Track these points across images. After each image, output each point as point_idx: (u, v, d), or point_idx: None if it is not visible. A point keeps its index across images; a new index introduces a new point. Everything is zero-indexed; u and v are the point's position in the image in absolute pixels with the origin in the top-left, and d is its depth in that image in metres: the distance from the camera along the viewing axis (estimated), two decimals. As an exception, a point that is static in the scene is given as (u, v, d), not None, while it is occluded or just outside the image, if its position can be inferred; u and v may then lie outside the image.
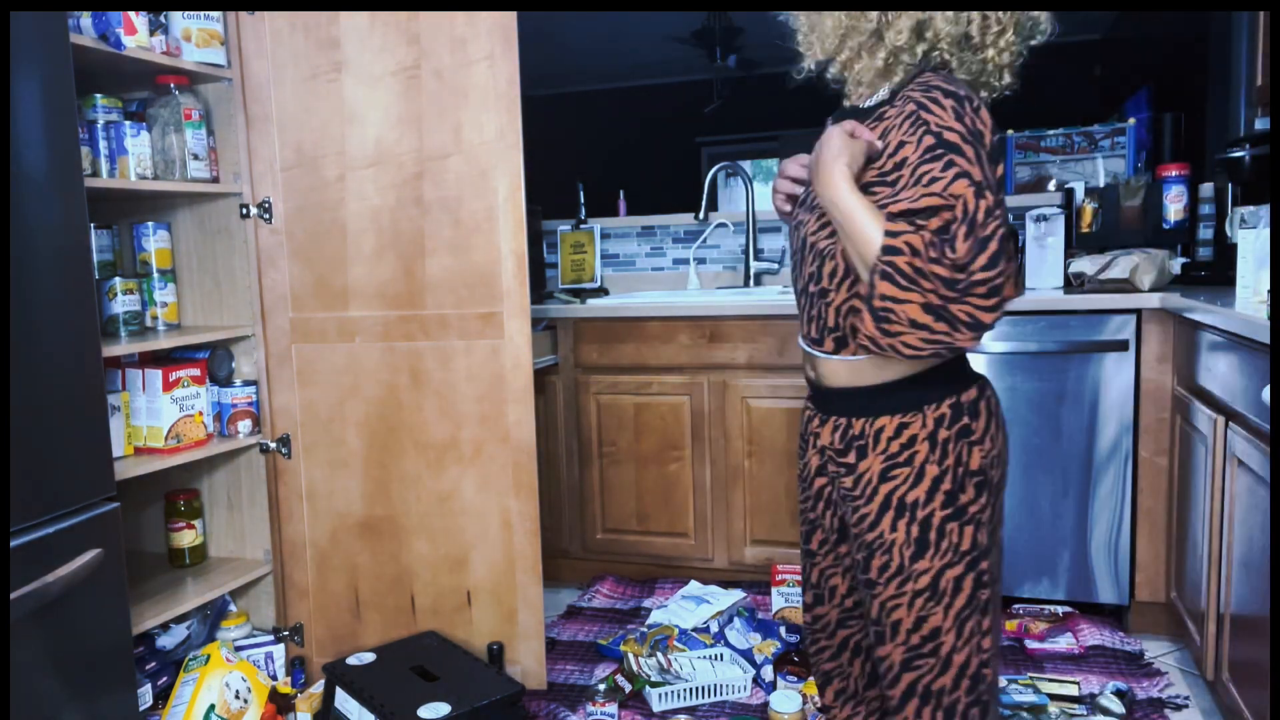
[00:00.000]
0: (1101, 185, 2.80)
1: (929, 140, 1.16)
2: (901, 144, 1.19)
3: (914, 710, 1.29)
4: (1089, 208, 2.76)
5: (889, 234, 1.14)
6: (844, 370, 1.29)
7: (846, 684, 1.48)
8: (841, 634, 1.45)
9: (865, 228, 1.16)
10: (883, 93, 1.28)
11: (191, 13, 2.09)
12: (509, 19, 2.08)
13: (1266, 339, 1.53)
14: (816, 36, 1.32)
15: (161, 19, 2.04)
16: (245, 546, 2.35)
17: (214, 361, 2.27)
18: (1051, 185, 3.20)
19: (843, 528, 1.37)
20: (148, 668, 2.07)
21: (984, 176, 1.15)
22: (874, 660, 1.35)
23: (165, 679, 2.09)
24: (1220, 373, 1.91)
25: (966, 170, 1.14)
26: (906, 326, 1.14)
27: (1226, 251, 2.53)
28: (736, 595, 2.66)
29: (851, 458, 1.29)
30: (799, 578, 1.51)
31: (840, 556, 1.40)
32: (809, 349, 1.34)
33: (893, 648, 1.28)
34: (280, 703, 2.12)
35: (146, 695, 2.01)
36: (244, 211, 2.23)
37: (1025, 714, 2.03)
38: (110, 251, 2.24)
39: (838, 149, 1.21)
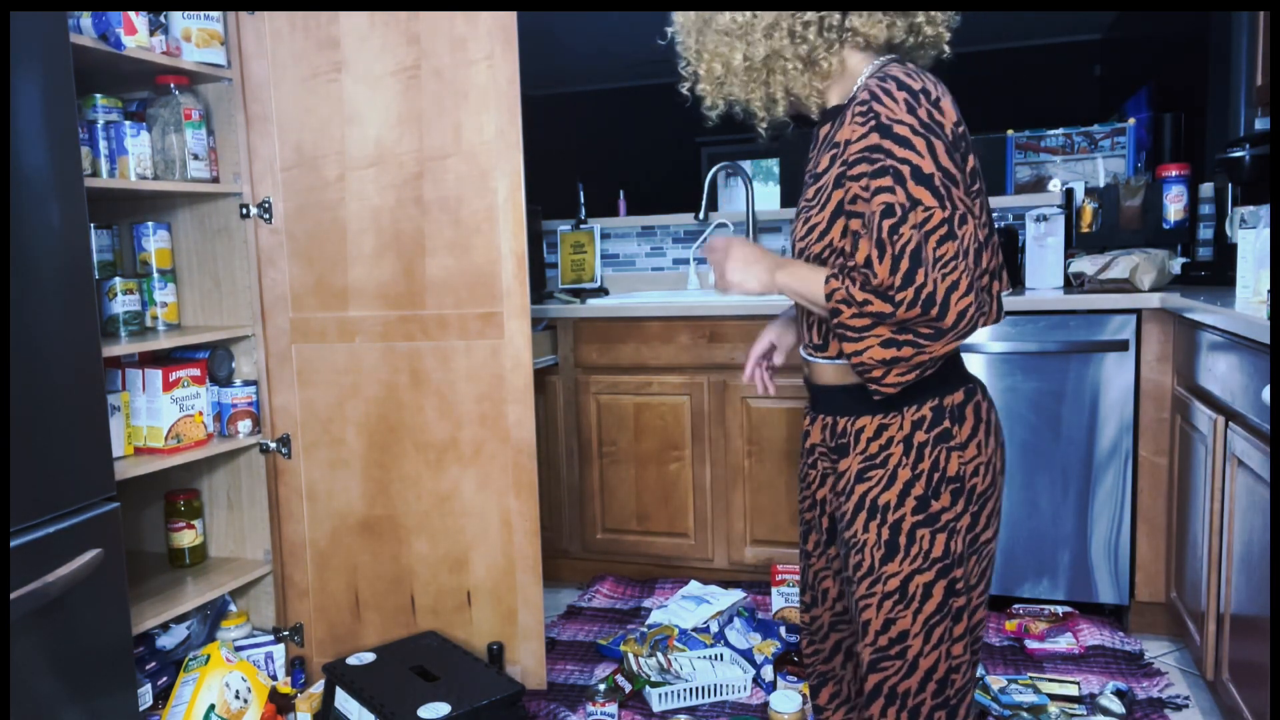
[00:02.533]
0: (1101, 185, 2.80)
1: (874, 139, 1.17)
2: (849, 140, 1.20)
3: (879, 709, 1.30)
4: (1089, 208, 2.76)
5: (827, 296, 1.20)
6: (831, 369, 1.31)
7: (840, 688, 1.47)
8: (834, 637, 1.45)
9: (813, 295, 1.23)
10: (844, 87, 1.29)
11: (191, 13, 2.09)
12: (509, 19, 2.08)
13: (1266, 339, 1.53)
14: (733, 74, 1.30)
15: (161, 19, 2.04)
16: (245, 546, 2.35)
17: (214, 361, 2.27)
18: (1051, 185, 3.20)
19: (832, 528, 1.37)
20: (148, 668, 2.06)
21: (936, 168, 1.14)
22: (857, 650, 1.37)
23: (165, 679, 2.09)
24: (1220, 373, 1.91)
25: (896, 179, 1.15)
26: (881, 368, 1.18)
27: (1226, 251, 2.53)
28: (736, 595, 2.66)
29: (836, 455, 1.31)
30: (799, 578, 1.52)
31: (830, 559, 1.40)
32: (809, 356, 1.34)
33: (863, 646, 1.29)
34: (280, 703, 2.12)
35: (146, 695, 2.01)
36: (244, 211, 2.23)
37: (1025, 714, 2.03)
38: (110, 251, 2.23)
39: (741, 258, 1.30)
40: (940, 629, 1.27)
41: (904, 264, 1.13)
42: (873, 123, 1.16)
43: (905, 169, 1.14)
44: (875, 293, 1.15)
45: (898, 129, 1.15)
